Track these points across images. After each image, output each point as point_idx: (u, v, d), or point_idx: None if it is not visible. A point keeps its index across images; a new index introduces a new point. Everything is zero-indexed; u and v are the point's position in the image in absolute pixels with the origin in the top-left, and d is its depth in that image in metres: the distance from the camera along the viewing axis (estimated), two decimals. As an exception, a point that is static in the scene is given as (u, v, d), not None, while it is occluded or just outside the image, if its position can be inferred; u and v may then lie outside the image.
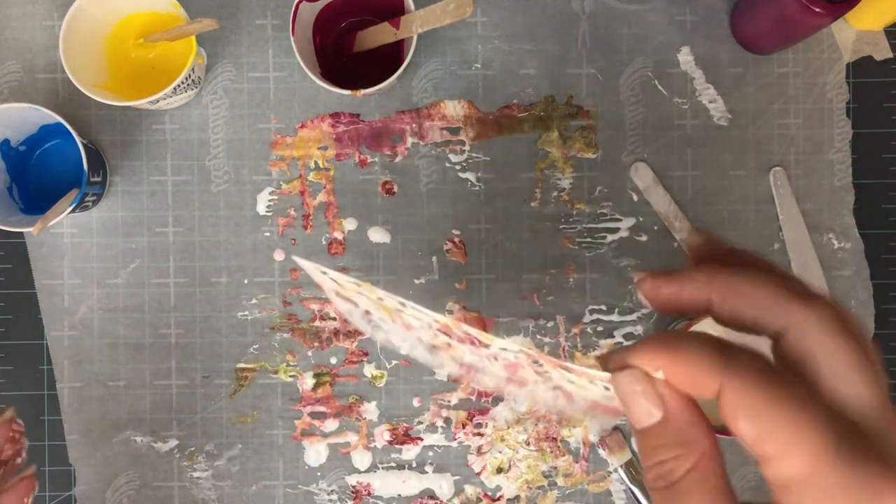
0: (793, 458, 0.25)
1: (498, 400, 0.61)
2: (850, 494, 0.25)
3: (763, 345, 0.29)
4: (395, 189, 0.61)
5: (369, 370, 0.61)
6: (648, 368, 0.28)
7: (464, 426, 0.61)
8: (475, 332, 0.37)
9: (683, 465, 0.27)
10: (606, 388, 0.31)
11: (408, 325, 0.38)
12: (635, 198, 0.61)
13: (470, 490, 0.61)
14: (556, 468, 0.61)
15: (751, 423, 0.26)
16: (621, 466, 0.60)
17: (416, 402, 0.61)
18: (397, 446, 0.61)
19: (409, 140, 0.61)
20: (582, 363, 0.60)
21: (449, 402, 0.61)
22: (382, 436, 0.61)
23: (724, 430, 0.58)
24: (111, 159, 0.61)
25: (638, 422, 0.28)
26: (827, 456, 0.25)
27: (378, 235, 0.61)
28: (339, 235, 0.61)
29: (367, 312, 0.38)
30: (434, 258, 0.61)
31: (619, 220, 0.61)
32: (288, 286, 0.61)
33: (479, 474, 0.61)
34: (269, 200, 0.61)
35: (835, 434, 0.25)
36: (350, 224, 0.61)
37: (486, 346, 0.37)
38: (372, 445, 0.61)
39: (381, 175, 0.61)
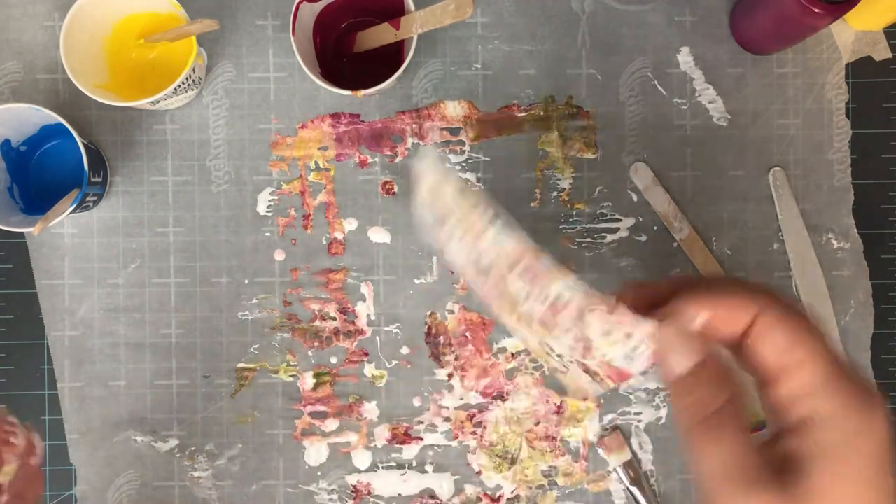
0: (815, 366, 0.31)
1: (498, 399, 0.61)
2: (853, 401, 0.31)
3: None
4: (396, 189, 0.61)
5: (369, 370, 0.61)
6: (693, 314, 0.34)
7: (463, 426, 0.61)
8: (548, 271, 0.39)
9: (720, 398, 0.32)
10: (632, 348, 0.36)
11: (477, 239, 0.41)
12: (635, 198, 0.61)
13: (470, 490, 0.61)
14: (555, 468, 0.61)
15: (784, 335, 0.32)
16: (620, 466, 0.60)
17: (416, 402, 0.61)
18: (397, 446, 0.61)
19: (410, 140, 0.61)
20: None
21: (448, 404, 0.61)
22: (383, 435, 0.61)
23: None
24: (112, 159, 0.61)
25: (679, 365, 0.33)
26: (837, 368, 0.31)
27: (378, 235, 0.61)
28: (339, 235, 0.61)
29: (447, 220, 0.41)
30: (434, 258, 0.61)
31: (619, 220, 0.61)
32: (288, 286, 0.61)
33: (479, 474, 0.61)
34: (270, 200, 0.61)
35: (837, 354, 0.32)
36: (350, 224, 0.61)
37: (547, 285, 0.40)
38: (372, 445, 0.61)
39: (382, 175, 0.61)
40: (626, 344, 0.37)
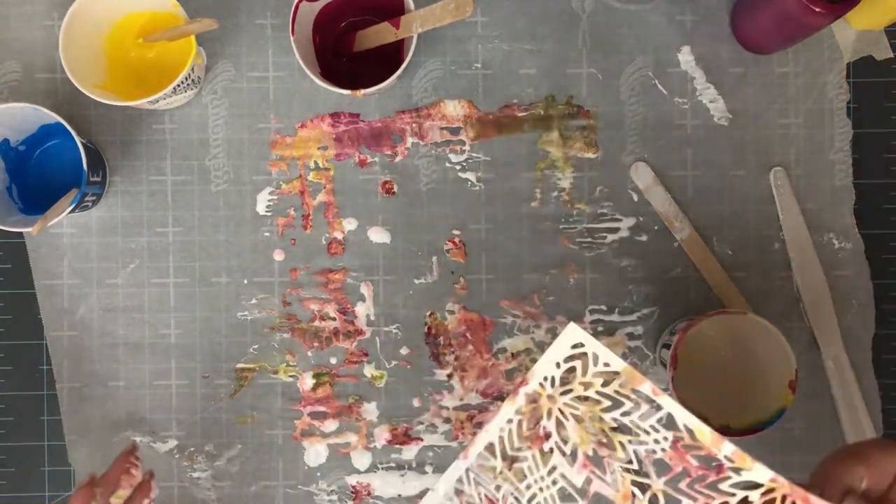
0: None
1: (498, 399, 0.61)
2: None
3: None
4: (395, 189, 0.61)
5: (369, 370, 0.61)
6: (857, 480, 0.38)
7: (463, 427, 0.61)
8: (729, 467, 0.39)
9: None
10: None
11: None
12: (635, 198, 0.61)
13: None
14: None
15: None
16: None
17: (416, 402, 0.61)
18: (397, 446, 0.61)
19: (409, 140, 0.61)
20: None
21: (448, 405, 0.61)
22: (382, 436, 0.61)
23: (725, 431, 0.58)
24: (111, 159, 0.61)
25: None
26: None
27: (378, 235, 0.61)
28: (338, 235, 0.61)
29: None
30: (434, 258, 0.61)
31: (619, 220, 0.61)
32: (288, 286, 0.61)
33: (479, 474, 0.61)
34: (269, 200, 0.61)
35: None
36: (350, 224, 0.61)
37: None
38: (372, 445, 0.61)
39: (381, 175, 0.61)
40: None
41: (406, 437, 0.61)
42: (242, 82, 0.61)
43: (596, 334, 0.61)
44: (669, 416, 0.39)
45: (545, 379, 0.41)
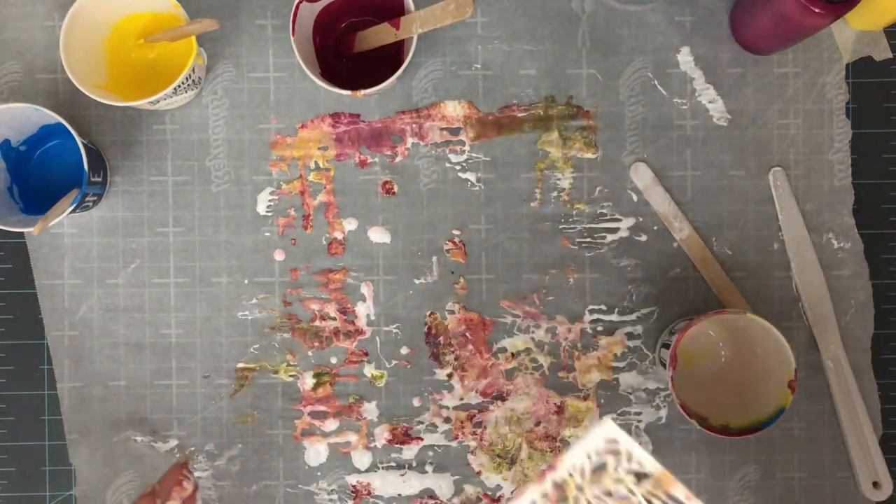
0: None
1: (498, 399, 0.61)
2: None
3: None
4: (395, 189, 0.61)
5: (369, 370, 0.61)
6: None
7: (463, 426, 0.61)
8: None
9: None
10: None
11: None
12: (635, 198, 0.61)
13: (470, 490, 0.61)
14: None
15: None
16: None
17: (416, 402, 0.61)
18: (397, 446, 0.61)
19: (409, 140, 0.61)
20: (583, 363, 0.60)
21: (448, 404, 0.61)
22: (382, 435, 0.61)
23: (725, 431, 0.58)
24: (111, 159, 0.61)
25: None
26: None
27: (378, 235, 0.61)
28: (339, 235, 0.61)
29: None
30: (434, 258, 0.61)
31: (619, 220, 0.61)
32: (288, 286, 0.61)
33: (479, 474, 0.61)
34: (270, 200, 0.61)
35: None
36: (350, 224, 0.61)
37: None
38: (372, 445, 0.61)
39: (381, 175, 0.61)
40: None
41: (406, 437, 0.61)
42: (243, 83, 0.61)
43: (596, 334, 0.61)
44: None
45: (573, 468, 0.41)
